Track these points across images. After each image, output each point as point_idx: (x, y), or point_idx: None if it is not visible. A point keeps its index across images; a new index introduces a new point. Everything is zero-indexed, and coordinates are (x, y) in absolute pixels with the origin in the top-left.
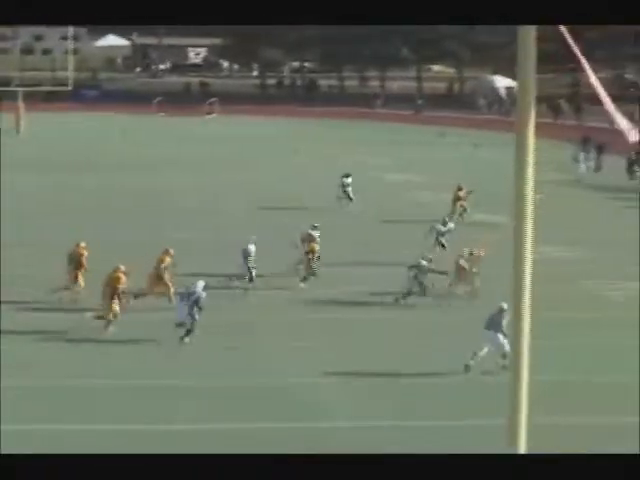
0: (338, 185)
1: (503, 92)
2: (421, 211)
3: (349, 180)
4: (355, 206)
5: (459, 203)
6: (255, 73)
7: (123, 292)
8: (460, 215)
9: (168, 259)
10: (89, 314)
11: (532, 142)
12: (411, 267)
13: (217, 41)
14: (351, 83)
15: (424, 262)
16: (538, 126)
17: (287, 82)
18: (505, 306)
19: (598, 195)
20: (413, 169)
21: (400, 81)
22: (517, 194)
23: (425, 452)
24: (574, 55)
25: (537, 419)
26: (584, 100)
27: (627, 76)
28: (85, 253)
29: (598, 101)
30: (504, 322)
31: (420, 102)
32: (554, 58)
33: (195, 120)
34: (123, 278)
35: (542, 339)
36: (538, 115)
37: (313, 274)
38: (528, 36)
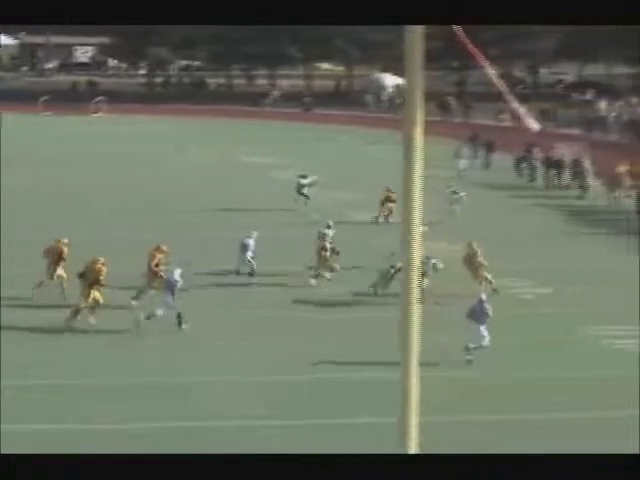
0: (295, 185)
1: (391, 90)
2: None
3: (306, 181)
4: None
5: (387, 205)
6: (143, 72)
7: (102, 284)
8: (386, 217)
9: (160, 255)
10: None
11: (420, 140)
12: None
13: (105, 40)
14: (240, 82)
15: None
16: (426, 124)
17: (175, 81)
18: (484, 296)
19: (490, 193)
20: (302, 167)
21: (289, 79)
22: (405, 191)
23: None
24: (465, 53)
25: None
26: (472, 98)
27: (516, 74)
28: (65, 249)
29: (486, 99)
30: (489, 313)
31: (308, 100)
32: (442, 56)
33: (82, 119)
34: (104, 270)
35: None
36: (426, 113)
37: (332, 270)
38: (415, 34)
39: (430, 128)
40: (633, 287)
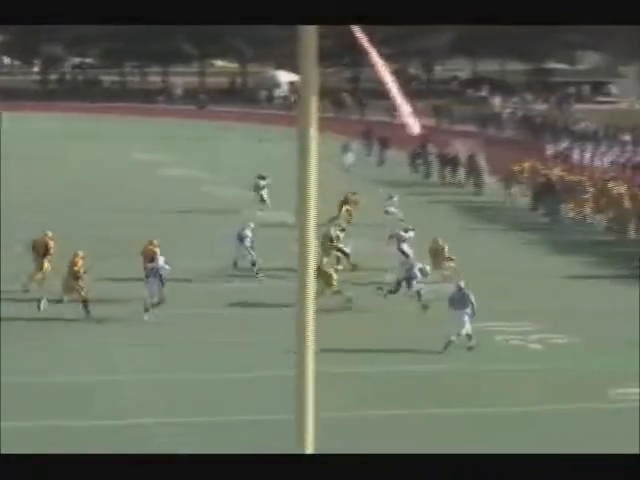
0: (253, 187)
1: (286, 87)
2: (210, 206)
3: (264, 182)
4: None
5: (345, 207)
6: (36, 69)
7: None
8: (348, 221)
9: (155, 249)
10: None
11: (315, 136)
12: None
13: None
14: (133, 79)
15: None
16: (321, 120)
17: (69, 78)
18: (463, 284)
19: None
20: (197, 165)
21: (183, 77)
22: (300, 188)
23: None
24: (359, 50)
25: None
26: (366, 95)
27: (410, 70)
28: (51, 242)
29: (380, 96)
30: (471, 299)
31: (202, 98)
32: (336, 53)
33: None
34: (81, 262)
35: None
36: (321, 110)
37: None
38: (309, 31)
39: (325, 125)
40: (529, 283)
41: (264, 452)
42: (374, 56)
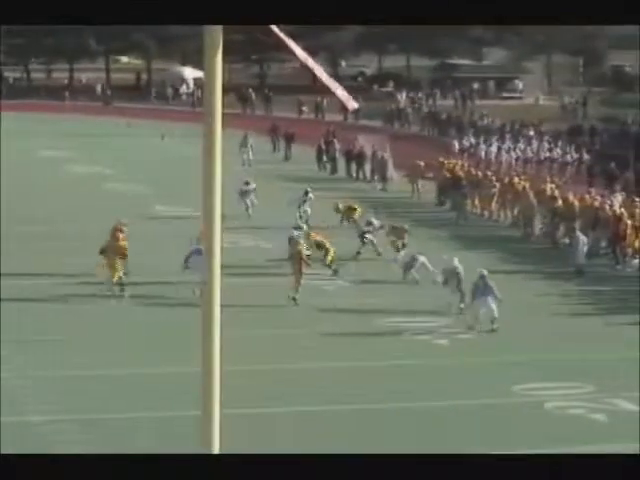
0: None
1: (192, 83)
2: (113, 203)
3: (250, 187)
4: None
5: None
6: None
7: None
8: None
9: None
10: None
11: (220, 132)
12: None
13: None
14: (38, 75)
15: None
16: (226, 116)
17: None
18: (485, 272)
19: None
20: (102, 162)
21: (88, 73)
22: (205, 185)
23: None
24: (265, 46)
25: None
26: (272, 90)
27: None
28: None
29: (285, 91)
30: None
31: (107, 94)
32: (242, 48)
33: None
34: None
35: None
36: (227, 106)
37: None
38: (214, 27)
39: (230, 121)
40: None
41: (170, 451)
42: (294, 45)
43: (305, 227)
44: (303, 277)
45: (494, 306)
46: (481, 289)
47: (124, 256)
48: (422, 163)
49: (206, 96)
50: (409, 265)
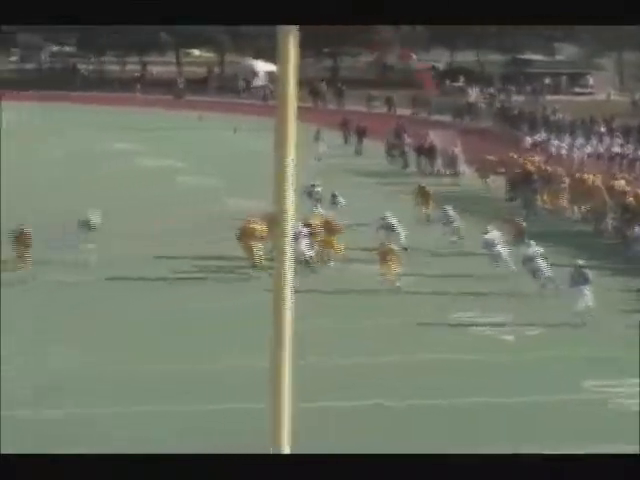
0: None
1: (264, 76)
2: (185, 197)
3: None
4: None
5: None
6: (14, 58)
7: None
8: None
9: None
10: None
11: (293, 126)
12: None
13: None
14: (111, 68)
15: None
16: (299, 110)
17: (46, 66)
18: (581, 262)
19: (369, 180)
20: (173, 155)
21: (160, 66)
22: (277, 178)
23: None
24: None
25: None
26: (344, 84)
27: (387, 61)
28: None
29: (357, 85)
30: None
31: (180, 87)
32: (315, 42)
33: None
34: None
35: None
36: (299, 99)
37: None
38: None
39: (303, 114)
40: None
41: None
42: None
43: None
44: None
45: (589, 296)
46: (576, 279)
47: (263, 239)
48: (493, 158)
49: (279, 90)
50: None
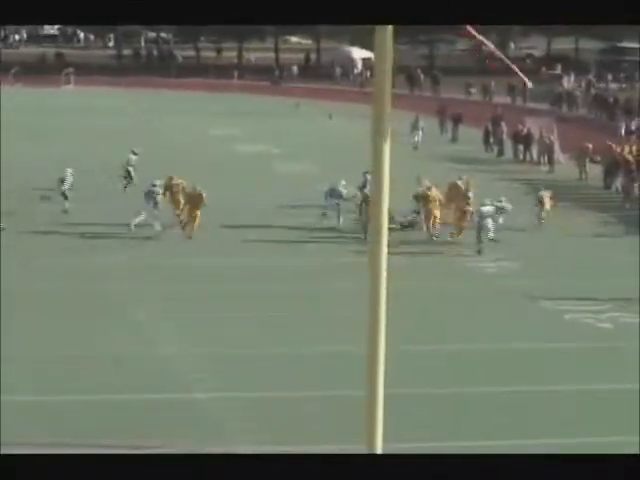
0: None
1: (360, 63)
2: (281, 182)
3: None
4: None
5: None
6: (111, 44)
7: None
8: None
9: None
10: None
11: (388, 113)
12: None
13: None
14: (208, 54)
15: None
16: (395, 97)
17: (144, 53)
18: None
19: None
20: (270, 141)
21: (257, 52)
22: (374, 164)
23: None
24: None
25: None
26: (440, 71)
27: (485, 48)
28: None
29: (453, 73)
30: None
31: (277, 73)
32: (410, 29)
33: (51, 91)
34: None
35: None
36: (394, 86)
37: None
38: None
39: (398, 101)
40: (602, 261)
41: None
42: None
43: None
44: None
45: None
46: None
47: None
48: (590, 146)
49: (376, 77)
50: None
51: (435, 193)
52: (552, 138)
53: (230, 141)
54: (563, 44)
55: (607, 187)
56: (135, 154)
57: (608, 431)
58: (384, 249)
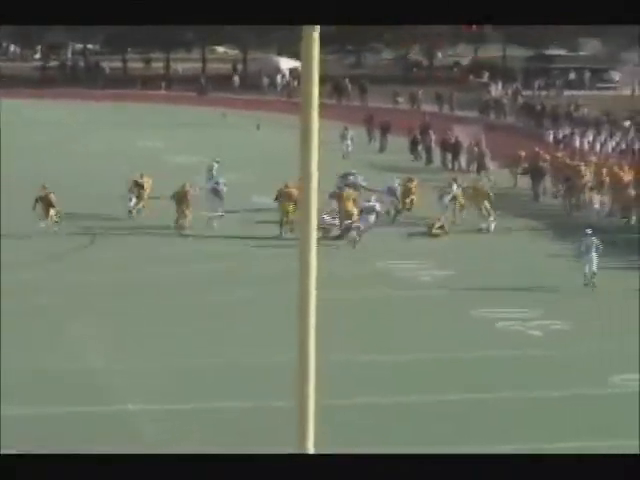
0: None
1: (287, 73)
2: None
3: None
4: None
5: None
6: (37, 56)
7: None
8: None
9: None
10: None
11: (316, 123)
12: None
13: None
14: (135, 65)
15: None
16: (321, 107)
17: (70, 64)
18: (589, 230)
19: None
20: (199, 151)
21: (184, 63)
22: (303, 174)
23: None
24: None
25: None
26: (368, 80)
27: (410, 56)
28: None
29: (381, 82)
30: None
31: (203, 83)
32: (337, 38)
33: None
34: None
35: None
36: (322, 96)
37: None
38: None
39: (326, 111)
40: (531, 267)
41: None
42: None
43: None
44: None
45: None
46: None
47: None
48: (523, 153)
49: (303, 86)
50: None
51: (349, 192)
52: (482, 146)
53: (158, 152)
54: (490, 52)
55: (536, 195)
56: (217, 162)
57: (547, 437)
58: (314, 262)
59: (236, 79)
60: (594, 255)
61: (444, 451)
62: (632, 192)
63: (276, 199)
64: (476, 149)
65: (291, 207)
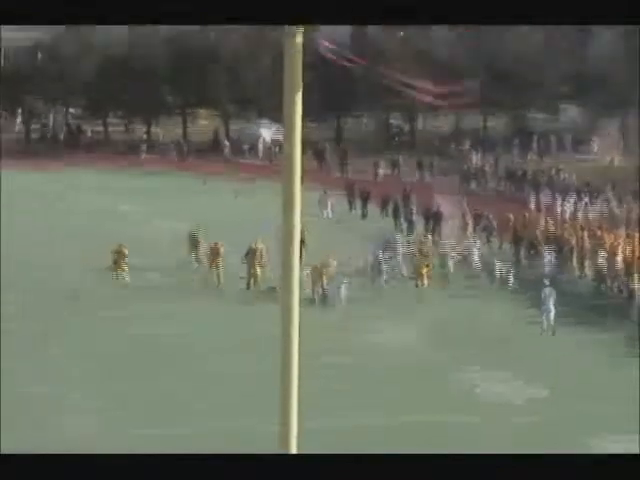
0: None
1: (269, 139)
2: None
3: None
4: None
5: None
6: (18, 120)
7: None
8: None
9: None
10: None
11: (298, 189)
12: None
13: None
14: (116, 129)
15: None
16: (303, 172)
17: (50, 129)
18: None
19: None
20: (179, 218)
21: (166, 128)
22: (284, 240)
23: None
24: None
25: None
26: (349, 148)
27: (392, 121)
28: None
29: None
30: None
31: (185, 149)
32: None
33: None
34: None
35: None
36: (304, 162)
37: None
38: (294, 85)
39: (307, 176)
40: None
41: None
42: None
43: None
44: None
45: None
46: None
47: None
48: (512, 216)
49: (285, 152)
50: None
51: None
52: (466, 217)
53: (144, 217)
54: (471, 119)
55: (518, 261)
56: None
57: None
58: (296, 325)
59: (220, 145)
60: (551, 305)
61: None
62: (611, 260)
63: (246, 255)
64: (459, 220)
65: (257, 262)
